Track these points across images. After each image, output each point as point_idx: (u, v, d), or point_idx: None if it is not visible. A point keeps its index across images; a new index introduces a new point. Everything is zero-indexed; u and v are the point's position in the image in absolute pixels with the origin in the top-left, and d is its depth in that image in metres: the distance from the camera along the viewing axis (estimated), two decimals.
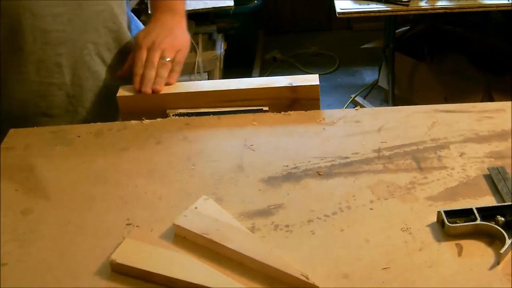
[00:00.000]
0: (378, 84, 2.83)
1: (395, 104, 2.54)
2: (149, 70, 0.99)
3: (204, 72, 2.49)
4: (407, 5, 2.07)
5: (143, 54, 1.01)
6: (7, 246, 0.73)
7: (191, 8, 2.42)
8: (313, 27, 3.58)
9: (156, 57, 1.00)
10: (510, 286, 0.63)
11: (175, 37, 1.05)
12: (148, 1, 1.16)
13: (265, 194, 0.79)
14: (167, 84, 1.00)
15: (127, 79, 1.04)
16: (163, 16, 1.08)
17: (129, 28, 1.14)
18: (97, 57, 1.06)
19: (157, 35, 1.03)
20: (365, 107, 2.72)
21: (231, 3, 2.40)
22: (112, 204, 0.79)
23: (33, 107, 1.04)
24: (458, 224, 0.69)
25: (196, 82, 1.09)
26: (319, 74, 1.00)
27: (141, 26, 1.19)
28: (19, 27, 0.96)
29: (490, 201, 0.75)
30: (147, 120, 0.96)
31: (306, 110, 0.96)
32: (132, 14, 1.19)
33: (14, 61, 0.99)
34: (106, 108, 1.07)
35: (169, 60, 1.01)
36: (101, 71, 1.07)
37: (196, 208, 0.74)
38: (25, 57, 0.99)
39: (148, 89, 0.97)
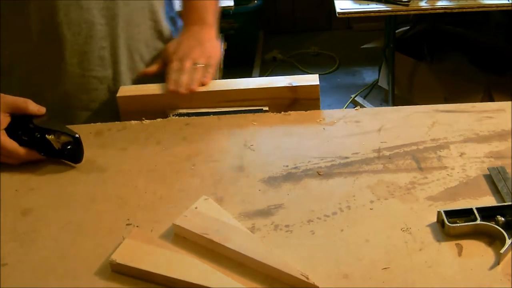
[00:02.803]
0: (378, 84, 2.83)
1: (395, 104, 2.54)
2: (182, 75, 0.98)
3: None
4: (407, 5, 2.07)
5: (175, 63, 1.01)
6: (7, 246, 0.73)
7: None
8: (313, 27, 3.59)
9: (187, 64, 1.00)
10: (510, 286, 0.63)
11: (204, 47, 1.05)
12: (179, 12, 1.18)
13: (265, 194, 0.79)
14: (202, 84, 0.98)
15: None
16: (193, 28, 1.08)
17: (176, 26, 1.15)
18: (137, 53, 1.07)
19: (186, 46, 1.04)
20: (365, 107, 2.72)
21: (231, 3, 2.40)
22: (112, 204, 0.79)
23: (75, 99, 1.04)
24: (458, 224, 0.69)
25: None
26: (319, 74, 1.00)
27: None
28: (66, 19, 0.97)
29: (490, 201, 0.75)
30: (147, 120, 0.97)
31: (306, 110, 0.96)
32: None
33: (58, 53, 1.00)
34: None
35: (201, 66, 1.01)
36: (139, 67, 1.08)
37: (196, 208, 0.74)
38: (69, 49, 0.99)
39: (182, 90, 0.96)
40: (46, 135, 0.85)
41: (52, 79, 1.02)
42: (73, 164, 0.86)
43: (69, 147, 0.85)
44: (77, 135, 0.84)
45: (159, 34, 1.11)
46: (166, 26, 1.12)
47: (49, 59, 1.00)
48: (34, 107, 0.87)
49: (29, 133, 0.85)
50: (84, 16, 0.98)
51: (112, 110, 1.03)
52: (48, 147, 0.85)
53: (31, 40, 0.98)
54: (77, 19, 0.97)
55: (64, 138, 0.84)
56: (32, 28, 0.97)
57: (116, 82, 1.06)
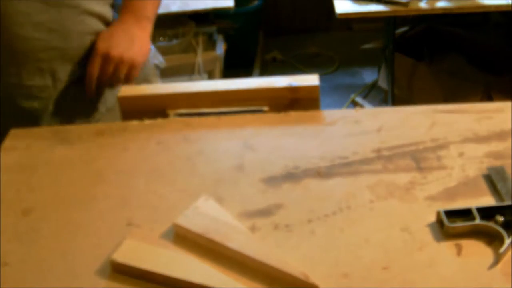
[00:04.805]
0: (378, 84, 2.82)
1: (394, 104, 2.54)
2: (102, 70, 1.01)
3: (204, 72, 2.49)
4: (407, 6, 2.07)
5: (97, 61, 1.01)
6: (8, 246, 0.73)
7: (191, 9, 2.42)
8: (313, 27, 3.58)
9: (109, 71, 1.02)
10: (510, 286, 0.63)
11: (133, 48, 1.04)
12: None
13: (265, 194, 0.79)
14: (120, 82, 1.02)
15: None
16: (128, 19, 1.07)
17: None
18: (80, 63, 1.07)
19: (116, 43, 1.03)
20: (364, 107, 2.72)
21: (231, 4, 2.40)
22: (112, 204, 0.79)
23: (14, 107, 1.05)
24: (457, 224, 0.69)
25: (196, 82, 1.10)
26: (319, 75, 1.00)
27: None
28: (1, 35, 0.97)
29: (489, 201, 0.75)
30: (147, 120, 0.97)
31: (306, 110, 0.96)
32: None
33: None
34: (83, 110, 1.10)
35: (124, 64, 1.03)
36: (84, 75, 1.07)
37: (196, 208, 0.74)
38: (5, 61, 1.00)
39: (92, 87, 1.00)
40: None
41: None
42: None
43: None
44: None
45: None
46: None
47: None
48: None
49: None
50: (16, 32, 0.97)
51: (57, 116, 1.06)
52: None
53: None
54: (11, 35, 0.97)
55: None
56: None
57: (56, 89, 1.06)
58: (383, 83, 2.72)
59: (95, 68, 1.02)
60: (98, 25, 1.08)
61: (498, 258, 0.66)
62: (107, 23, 1.09)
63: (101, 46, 1.03)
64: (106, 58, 1.02)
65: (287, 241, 0.71)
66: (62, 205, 0.79)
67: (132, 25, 1.07)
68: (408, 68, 2.62)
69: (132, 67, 1.04)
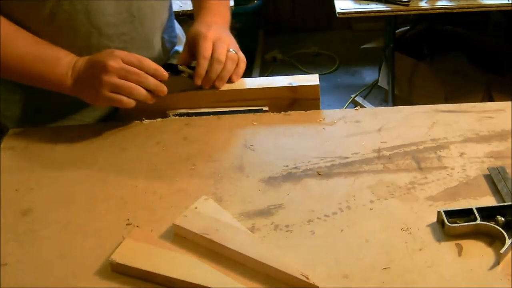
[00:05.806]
0: (378, 84, 2.82)
1: (395, 104, 2.54)
2: (217, 64, 0.94)
3: None
4: (407, 5, 2.07)
5: (210, 45, 0.95)
6: (8, 246, 0.73)
7: (191, 8, 2.41)
8: (313, 27, 3.58)
9: (224, 50, 0.95)
10: (510, 286, 0.63)
11: (232, 36, 1.01)
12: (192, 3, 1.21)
13: (265, 194, 0.79)
14: (230, 82, 0.96)
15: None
16: (215, 19, 1.05)
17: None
18: None
19: (219, 30, 0.99)
20: (365, 107, 2.72)
21: (231, 3, 2.40)
22: (112, 204, 0.79)
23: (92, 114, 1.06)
24: (458, 224, 0.69)
25: None
26: (319, 74, 1.00)
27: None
28: (88, 44, 0.98)
29: (490, 201, 0.75)
30: (147, 120, 0.97)
31: (306, 110, 0.96)
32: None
33: None
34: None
35: (235, 53, 0.97)
36: None
37: (196, 208, 0.74)
38: None
39: (208, 86, 0.94)
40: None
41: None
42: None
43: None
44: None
45: (165, 49, 1.13)
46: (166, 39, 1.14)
47: None
48: None
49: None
50: (103, 42, 0.99)
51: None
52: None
53: None
54: (97, 44, 0.98)
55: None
56: None
57: None
58: (383, 83, 2.72)
59: (208, 51, 0.94)
60: (162, 36, 1.11)
61: (499, 259, 0.66)
62: (163, 34, 1.12)
63: (210, 32, 0.96)
64: (217, 40, 0.95)
65: (287, 241, 0.71)
66: (62, 205, 0.79)
67: (220, 22, 1.04)
68: (409, 67, 2.62)
69: (237, 50, 0.99)
